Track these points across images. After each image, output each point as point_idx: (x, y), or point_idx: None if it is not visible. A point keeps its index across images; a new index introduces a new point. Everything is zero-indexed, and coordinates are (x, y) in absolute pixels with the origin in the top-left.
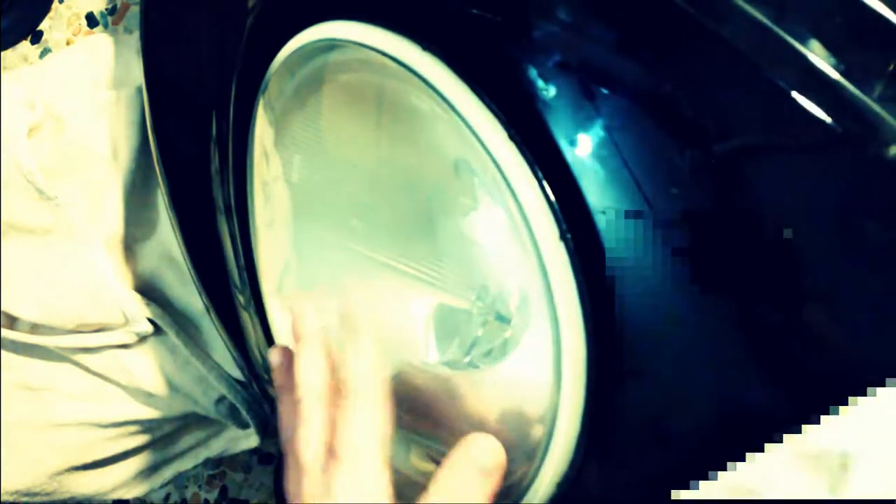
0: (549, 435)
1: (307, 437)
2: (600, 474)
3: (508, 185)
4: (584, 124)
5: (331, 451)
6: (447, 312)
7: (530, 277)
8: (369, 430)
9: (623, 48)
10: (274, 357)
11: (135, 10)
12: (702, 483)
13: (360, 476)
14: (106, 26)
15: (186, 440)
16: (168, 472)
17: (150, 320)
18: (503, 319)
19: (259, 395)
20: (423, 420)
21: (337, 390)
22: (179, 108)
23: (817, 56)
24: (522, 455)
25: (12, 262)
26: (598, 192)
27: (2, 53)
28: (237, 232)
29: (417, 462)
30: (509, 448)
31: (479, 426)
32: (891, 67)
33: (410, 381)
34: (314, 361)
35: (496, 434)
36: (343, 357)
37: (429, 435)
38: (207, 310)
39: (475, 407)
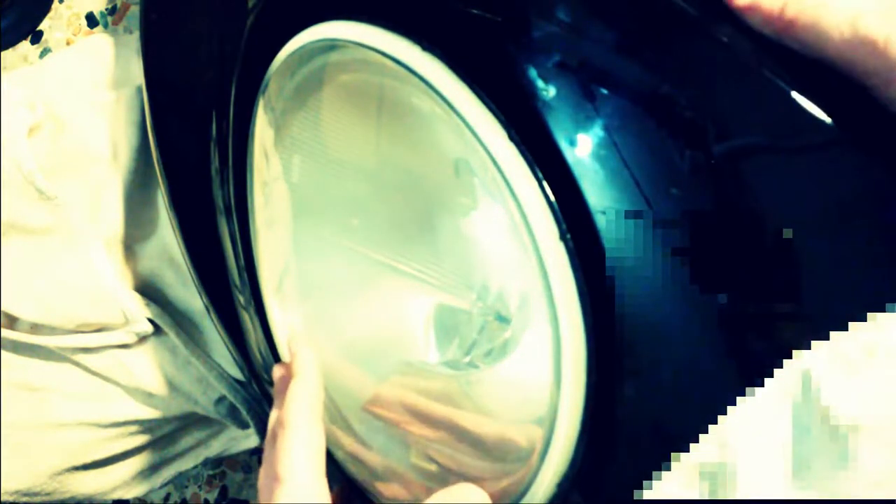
0: (549, 435)
1: (262, 472)
2: (600, 474)
3: (508, 185)
4: (583, 124)
5: (272, 476)
6: (447, 312)
7: (530, 277)
8: (299, 449)
9: (623, 48)
10: (276, 373)
11: (135, 10)
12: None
13: (295, 492)
14: (106, 26)
15: (186, 440)
16: (168, 472)
17: (150, 320)
18: (503, 319)
19: (259, 395)
20: (423, 420)
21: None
22: (179, 108)
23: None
24: (522, 455)
25: (12, 262)
26: (598, 193)
27: (2, 53)
28: (237, 232)
29: (417, 462)
30: (508, 448)
31: (479, 426)
32: None
33: (410, 381)
34: (276, 410)
35: (496, 434)
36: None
37: (428, 435)
38: (207, 310)
39: (475, 407)
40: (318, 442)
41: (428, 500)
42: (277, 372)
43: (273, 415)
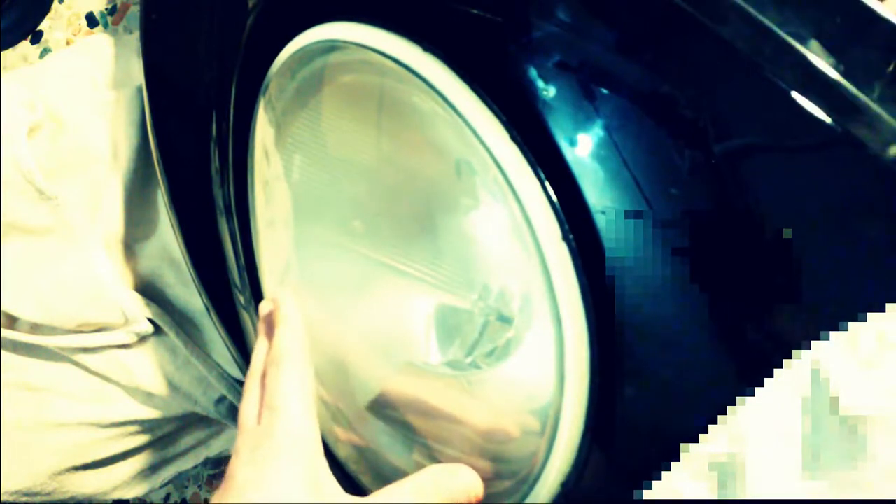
0: (553, 435)
1: (246, 406)
2: (604, 474)
3: (510, 185)
4: (584, 124)
5: (264, 406)
6: (449, 313)
7: (532, 278)
8: (294, 383)
9: (623, 48)
10: (263, 308)
11: (135, 10)
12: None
13: (290, 420)
14: (106, 26)
15: (186, 440)
16: (168, 472)
17: (150, 320)
18: (505, 320)
19: None
20: (426, 420)
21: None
22: (179, 108)
23: (817, 56)
24: (526, 455)
25: (12, 262)
26: (599, 193)
27: (2, 53)
28: (237, 232)
29: (421, 462)
30: (512, 448)
31: (482, 427)
32: (891, 68)
33: (413, 381)
34: (261, 347)
35: (500, 434)
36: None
37: (431, 435)
38: (207, 310)
39: (477, 407)
40: (309, 378)
41: (421, 471)
42: (265, 308)
43: (258, 348)
